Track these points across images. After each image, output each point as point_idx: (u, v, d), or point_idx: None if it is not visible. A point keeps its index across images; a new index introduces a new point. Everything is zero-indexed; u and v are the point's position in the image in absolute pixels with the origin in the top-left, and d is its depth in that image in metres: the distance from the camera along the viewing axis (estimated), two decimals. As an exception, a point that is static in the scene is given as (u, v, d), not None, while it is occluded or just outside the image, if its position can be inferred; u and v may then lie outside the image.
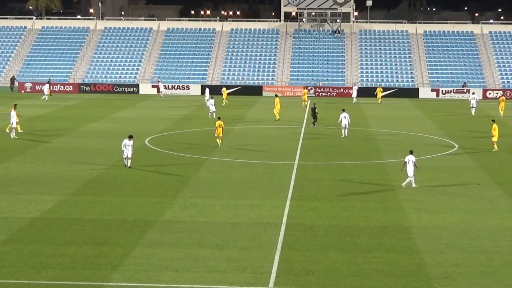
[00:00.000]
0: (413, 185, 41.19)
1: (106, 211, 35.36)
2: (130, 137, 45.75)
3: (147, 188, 40.28)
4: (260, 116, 73.09)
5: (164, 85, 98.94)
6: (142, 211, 35.41)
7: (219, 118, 55.53)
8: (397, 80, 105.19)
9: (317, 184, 42.23)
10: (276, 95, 76.01)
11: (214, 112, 70.24)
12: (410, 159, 40.97)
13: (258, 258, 28.39)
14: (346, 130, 60.15)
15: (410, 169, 40.93)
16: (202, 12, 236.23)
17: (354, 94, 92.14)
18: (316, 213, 35.42)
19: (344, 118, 60.03)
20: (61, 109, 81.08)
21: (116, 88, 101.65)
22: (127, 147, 45.36)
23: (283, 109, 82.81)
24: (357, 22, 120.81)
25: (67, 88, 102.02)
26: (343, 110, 61.35)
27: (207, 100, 73.62)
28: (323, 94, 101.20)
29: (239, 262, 27.90)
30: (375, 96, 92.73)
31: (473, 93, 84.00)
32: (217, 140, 54.49)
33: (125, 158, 45.76)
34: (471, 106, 79.75)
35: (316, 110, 67.12)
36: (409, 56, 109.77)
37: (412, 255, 29.00)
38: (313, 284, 25.81)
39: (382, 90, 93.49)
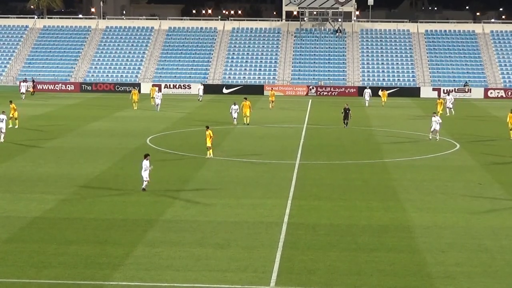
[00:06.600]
0: None
1: (107, 210, 35.38)
2: (146, 156, 39.51)
3: (148, 187, 40.21)
4: (261, 115, 73.04)
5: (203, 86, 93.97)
6: (143, 210, 35.42)
7: (207, 127, 49.82)
8: (398, 79, 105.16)
9: (318, 183, 42.22)
10: (245, 98, 70.07)
11: (236, 118, 66.92)
12: None
13: (259, 257, 28.39)
14: (437, 134, 58.42)
15: None
16: (203, 11, 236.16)
17: (367, 97, 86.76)
18: (317, 212, 35.41)
19: (436, 123, 58.15)
20: (62, 108, 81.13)
21: (118, 88, 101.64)
22: (148, 168, 38.93)
23: (285, 108, 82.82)
24: (358, 21, 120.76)
25: (68, 87, 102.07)
26: (435, 114, 60.05)
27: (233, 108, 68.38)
28: (325, 93, 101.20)
29: (241, 261, 27.89)
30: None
31: (449, 93, 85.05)
32: (208, 151, 49.49)
33: (145, 181, 39.15)
34: (447, 107, 78.04)
35: (350, 112, 66.55)
36: (411, 56, 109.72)
37: (414, 255, 28.97)
38: (315, 283, 25.80)
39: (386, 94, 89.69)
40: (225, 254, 28.75)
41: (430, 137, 58.65)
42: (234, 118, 66.63)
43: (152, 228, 32.23)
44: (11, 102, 65.14)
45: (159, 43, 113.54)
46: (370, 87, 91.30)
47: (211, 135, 49.06)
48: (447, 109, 78.10)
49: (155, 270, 26.83)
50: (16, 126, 62.21)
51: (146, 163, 38.83)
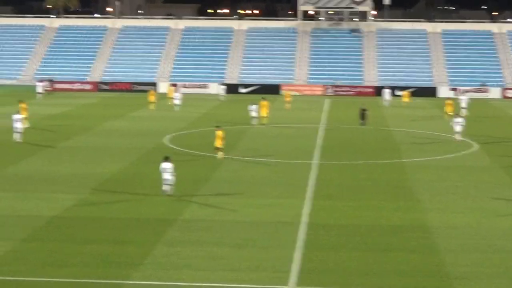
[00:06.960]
0: None
1: (125, 210, 35.42)
2: (166, 158, 38.51)
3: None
4: (278, 115, 72.87)
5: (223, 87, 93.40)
6: (161, 209, 35.45)
7: (218, 127, 49.80)
8: (415, 79, 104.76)
9: (337, 183, 42.10)
10: (263, 98, 69.08)
11: (256, 118, 66.18)
12: None
13: (277, 257, 28.35)
14: (458, 134, 57.80)
15: None
16: (219, 11, 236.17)
17: (387, 97, 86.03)
18: (336, 213, 35.29)
19: (456, 124, 57.63)
20: (78, 107, 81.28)
21: (134, 87, 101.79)
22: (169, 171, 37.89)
23: (302, 108, 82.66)
24: (374, 20, 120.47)
25: (85, 86, 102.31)
26: (457, 115, 59.86)
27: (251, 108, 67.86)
28: (341, 93, 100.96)
29: (258, 261, 27.86)
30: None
31: (464, 94, 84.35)
32: (218, 152, 48.87)
33: (167, 185, 38.07)
34: (461, 107, 75.87)
35: (366, 112, 66.41)
36: (427, 55, 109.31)
37: (433, 255, 28.81)
38: (334, 283, 25.73)
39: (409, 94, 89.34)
40: (243, 254, 28.74)
41: (458, 139, 57.74)
42: (254, 118, 66.27)
43: (170, 228, 32.24)
44: (20, 101, 63.01)
45: (175, 43, 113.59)
46: (387, 87, 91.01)
47: (222, 135, 48.60)
48: (462, 109, 77.19)
49: (173, 269, 26.84)
50: (27, 126, 61.10)
51: (166, 165, 38.00)
